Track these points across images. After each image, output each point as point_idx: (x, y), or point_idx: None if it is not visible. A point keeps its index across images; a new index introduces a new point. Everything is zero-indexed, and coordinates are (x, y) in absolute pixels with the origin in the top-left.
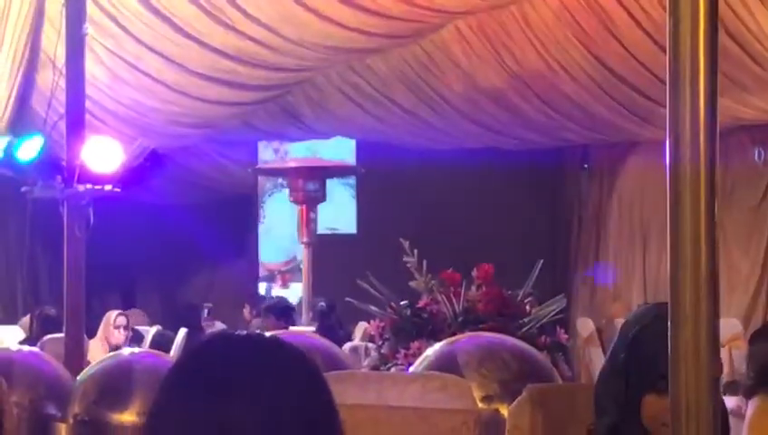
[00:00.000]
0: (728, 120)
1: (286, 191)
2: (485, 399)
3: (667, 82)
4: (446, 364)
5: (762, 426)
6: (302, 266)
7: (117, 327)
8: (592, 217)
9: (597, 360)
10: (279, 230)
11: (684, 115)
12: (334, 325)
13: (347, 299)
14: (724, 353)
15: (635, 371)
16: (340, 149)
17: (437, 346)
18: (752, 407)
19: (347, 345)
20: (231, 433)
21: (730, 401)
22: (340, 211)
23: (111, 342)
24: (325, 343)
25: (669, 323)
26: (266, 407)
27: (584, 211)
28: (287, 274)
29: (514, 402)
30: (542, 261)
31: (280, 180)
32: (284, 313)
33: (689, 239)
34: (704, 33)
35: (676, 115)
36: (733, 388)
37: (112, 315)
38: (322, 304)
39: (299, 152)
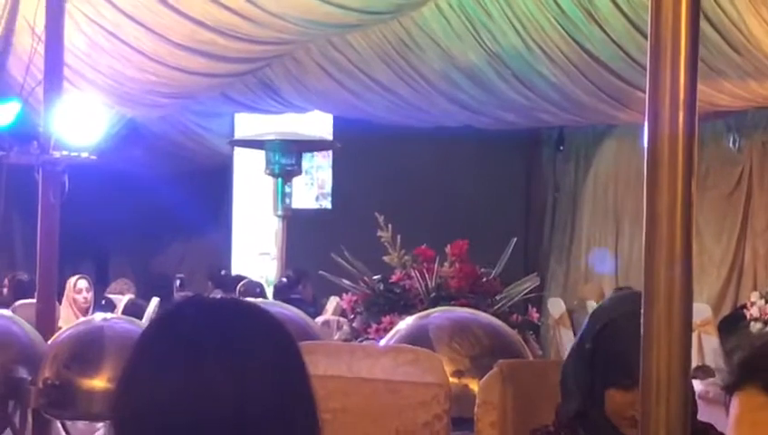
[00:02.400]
0: (704, 105)
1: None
2: (456, 373)
3: (647, 63)
4: (417, 338)
5: (753, 421)
6: None
7: (78, 292)
8: (567, 198)
9: (567, 340)
10: None
11: (663, 94)
12: (302, 297)
13: (320, 272)
14: (693, 338)
15: (601, 363)
16: (317, 124)
17: (409, 320)
18: (738, 402)
19: (319, 319)
20: (203, 395)
21: (698, 386)
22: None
23: (75, 306)
24: (297, 313)
25: (643, 299)
26: (238, 370)
27: (559, 192)
28: None
29: (485, 377)
30: (515, 239)
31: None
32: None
33: (665, 215)
34: (686, 16)
35: (655, 93)
36: (702, 372)
37: (72, 280)
38: (284, 278)
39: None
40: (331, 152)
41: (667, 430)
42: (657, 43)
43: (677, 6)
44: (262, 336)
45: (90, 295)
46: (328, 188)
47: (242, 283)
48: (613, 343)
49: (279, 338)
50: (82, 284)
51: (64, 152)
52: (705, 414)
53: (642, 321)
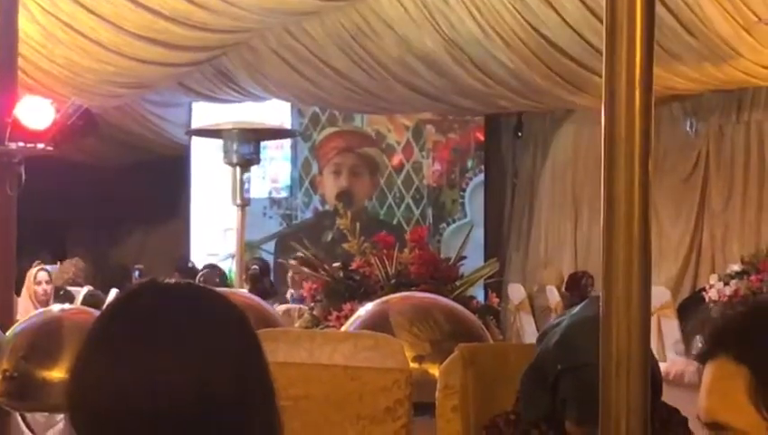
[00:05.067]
0: (660, 89)
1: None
2: (417, 358)
3: (603, 41)
4: (377, 324)
5: (723, 389)
6: None
7: (38, 283)
8: (525, 184)
9: (528, 326)
10: None
11: (620, 72)
12: (267, 289)
13: (280, 261)
14: (653, 322)
15: (562, 399)
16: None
17: (369, 306)
18: (709, 371)
19: (280, 307)
20: (160, 382)
21: (662, 367)
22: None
23: (35, 298)
24: (258, 301)
25: (602, 278)
26: (195, 355)
27: (518, 178)
28: None
29: (446, 361)
30: (473, 226)
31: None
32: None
33: (624, 194)
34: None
35: (612, 72)
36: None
37: (32, 272)
38: (255, 266)
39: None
40: (288, 142)
41: (628, 409)
42: (612, 22)
43: None
44: (217, 320)
45: (49, 288)
46: (281, 181)
47: (201, 273)
48: (577, 391)
49: (235, 322)
50: (42, 275)
51: (20, 143)
52: (667, 395)
53: (601, 302)
